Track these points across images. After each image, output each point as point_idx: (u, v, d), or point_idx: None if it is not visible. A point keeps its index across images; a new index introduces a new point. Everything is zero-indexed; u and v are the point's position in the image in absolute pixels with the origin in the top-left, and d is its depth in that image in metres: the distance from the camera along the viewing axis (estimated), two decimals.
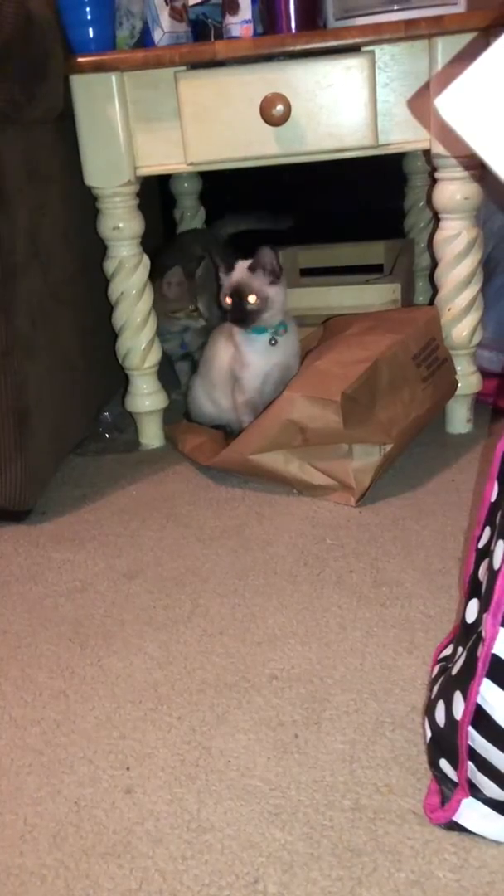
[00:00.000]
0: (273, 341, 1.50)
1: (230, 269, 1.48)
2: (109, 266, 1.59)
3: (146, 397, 1.67)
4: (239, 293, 1.46)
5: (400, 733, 0.90)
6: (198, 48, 1.44)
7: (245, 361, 1.52)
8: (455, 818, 0.76)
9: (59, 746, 0.94)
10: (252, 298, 1.45)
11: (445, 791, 0.78)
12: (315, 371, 1.40)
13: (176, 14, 1.50)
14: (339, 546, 1.27)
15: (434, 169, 1.46)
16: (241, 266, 1.48)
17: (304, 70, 1.40)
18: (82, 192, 1.56)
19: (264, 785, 0.85)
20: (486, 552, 0.77)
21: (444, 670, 0.82)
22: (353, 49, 1.39)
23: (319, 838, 0.78)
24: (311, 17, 1.42)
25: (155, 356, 1.66)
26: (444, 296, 1.50)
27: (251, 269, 1.47)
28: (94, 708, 0.99)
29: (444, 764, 0.78)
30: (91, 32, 1.45)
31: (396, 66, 1.41)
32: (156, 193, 2.22)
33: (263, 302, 1.46)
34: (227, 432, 1.60)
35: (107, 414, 1.75)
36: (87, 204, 1.58)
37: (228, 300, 1.47)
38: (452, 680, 0.77)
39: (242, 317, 1.46)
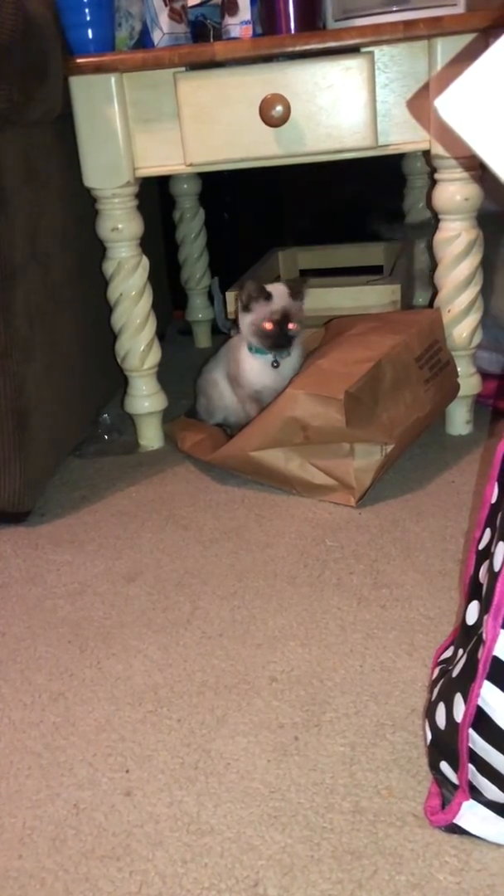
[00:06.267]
0: (275, 363, 1.52)
1: (269, 296, 1.49)
2: (108, 267, 1.59)
3: (145, 399, 1.66)
4: (285, 319, 1.48)
5: (400, 736, 0.89)
6: (197, 49, 1.44)
7: (241, 376, 1.55)
8: (456, 821, 0.76)
9: (58, 749, 0.94)
10: (293, 325, 1.49)
11: (446, 794, 0.78)
12: (318, 369, 1.40)
13: (175, 15, 1.49)
14: (338, 548, 1.27)
15: (434, 170, 1.46)
16: (282, 292, 1.50)
17: (304, 71, 1.40)
18: (81, 193, 1.56)
19: (264, 787, 0.85)
20: (486, 554, 0.77)
21: (445, 672, 0.82)
22: (353, 50, 1.39)
23: (319, 841, 0.78)
24: (311, 18, 1.42)
25: (154, 357, 1.65)
26: (444, 297, 1.50)
27: (293, 296, 1.50)
28: (94, 710, 0.99)
29: (444, 766, 0.77)
30: (90, 33, 1.45)
31: (396, 66, 1.41)
32: (155, 194, 2.22)
33: (299, 328, 1.50)
34: (228, 434, 1.60)
35: (106, 415, 1.75)
36: (85, 205, 1.58)
37: (270, 325, 1.48)
38: (453, 682, 0.77)
39: (286, 342, 1.50)
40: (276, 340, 1.49)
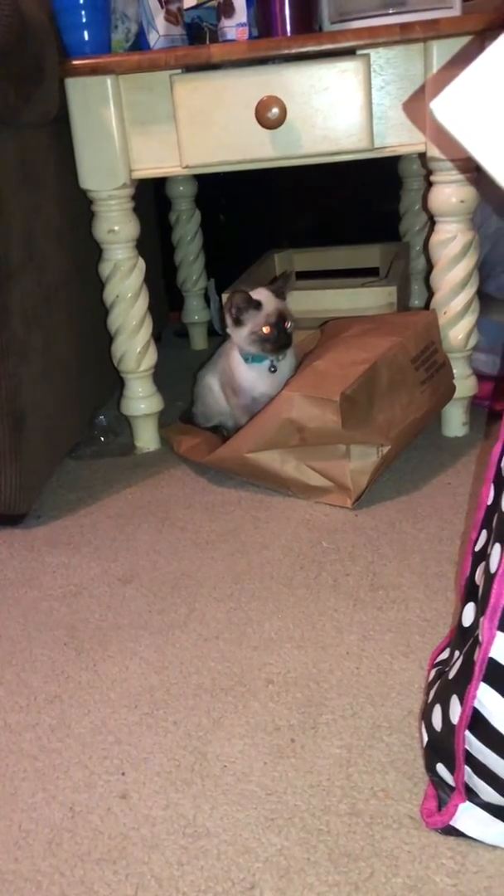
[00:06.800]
0: (273, 368, 1.52)
1: (258, 303, 1.48)
2: (105, 269, 1.59)
3: (141, 401, 1.66)
4: (282, 319, 1.48)
5: (396, 738, 0.89)
6: (193, 51, 1.44)
7: (237, 386, 1.54)
8: (452, 823, 0.76)
9: (54, 751, 0.94)
10: (289, 323, 1.49)
11: (442, 796, 0.78)
12: (314, 371, 1.40)
13: (171, 17, 1.49)
14: (335, 549, 1.27)
15: (429, 172, 1.47)
16: (268, 296, 1.50)
17: (300, 73, 1.40)
18: (77, 195, 1.56)
19: (260, 790, 0.85)
20: (482, 555, 0.77)
21: (441, 674, 0.82)
22: (349, 52, 1.39)
23: (316, 843, 0.78)
24: (307, 21, 1.42)
25: (150, 359, 1.65)
26: (440, 299, 1.50)
27: (278, 296, 1.50)
28: (90, 713, 0.99)
29: (440, 768, 0.77)
30: (86, 35, 1.45)
31: (392, 69, 1.41)
32: (151, 196, 2.22)
33: (293, 325, 1.50)
34: (224, 435, 1.60)
35: (102, 417, 1.75)
36: (82, 207, 1.58)
37: (269, 328, 1.47)
38: (449, 684, 0.77)
39: (287, 340, 1.50)
40: (278, 342, 1.48)
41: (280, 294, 1.52)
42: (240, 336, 1.50)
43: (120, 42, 1.57)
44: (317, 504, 1.40)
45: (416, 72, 1.40)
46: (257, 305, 1.48)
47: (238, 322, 1.49)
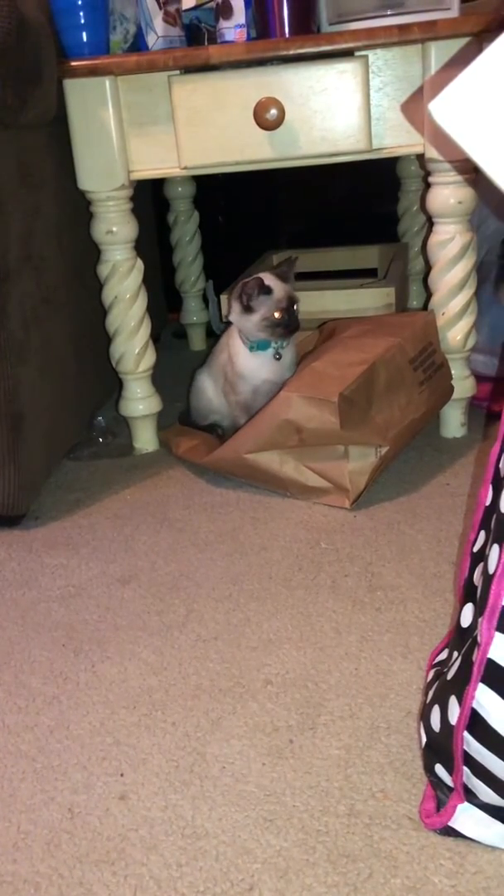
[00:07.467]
0: (278, 356, 1.52)
1: (269, 290, 1.48)
2: (103, 270, 1.59)
3: (140, 402, 1.66)
4: (292, 303, 1.49)
5: (395, 738, 0.89)
6: (191, 52, 1.44)
7: (238, 375, 1.54)
8: (451, 824, 0.76)
9: (52, 753, 0.94)
10: (297, 306, 1.50)
11: (441, 796, 0.78)
12: (312, 372, 1.40)
13: (169, 18, 1.50)
14: (333, 550, 1.27)
15: (428, 173, 1.47)
16: (274, 279, 1.50)
17: (298, 74, 1.40)
18: (76, 196, 1.56)
19: (259, 791, 0.85)
20: (480, 556, 0.77)
21: (440, 675, 0.82)
22: (347, 53, 1.39)
23: (314, 844, 0.78)
24: (305, 22, 1.42)
25: (149, 360, 1.65)
26: (438, 300, 1.50)
27: (285, 280, 1.51)
28: (88, 714, 0.99)
29: (439, 769, 0.77)
30: (84, 36, 1.45)
31: (390, 70, 1.41)
32: (149, 197, 2.22)
33: (298, 308, 1.51)
34: (220, 435, 1.60)
35: (100, 418, 1.75)
36: (80, 208, 1.58)
37: (280, 313, 1.47)
38: (448, 684, 0.77)
39: (296, 323, 1.50)
40: (289, 326, 1.48)
41: (285, 278, 1.52)
42: (249, 323, 1.49)
43: (118, 43, 1.57)
44: (315, 505, 1.40)
45: (415, 73, 1.40)
46: (268, 291, 1.48)
47: (248, 309, 1.48)
